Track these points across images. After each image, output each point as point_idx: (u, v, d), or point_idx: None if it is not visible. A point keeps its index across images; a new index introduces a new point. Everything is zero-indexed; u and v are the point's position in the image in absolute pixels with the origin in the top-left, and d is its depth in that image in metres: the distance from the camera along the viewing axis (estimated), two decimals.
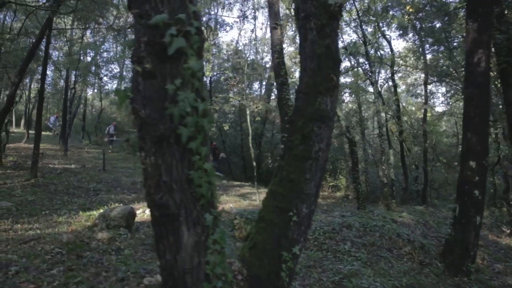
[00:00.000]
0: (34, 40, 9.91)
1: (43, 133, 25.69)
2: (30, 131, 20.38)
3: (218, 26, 15.79)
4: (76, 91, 16.39)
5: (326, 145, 2.95)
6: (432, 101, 18.63)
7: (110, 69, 19.69)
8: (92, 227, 5.52)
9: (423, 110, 14.43)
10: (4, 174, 10.16)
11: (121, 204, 7.44)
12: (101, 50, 17.37)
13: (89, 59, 17.32)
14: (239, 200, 9.52)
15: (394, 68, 13.24)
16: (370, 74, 11.18)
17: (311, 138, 2.89)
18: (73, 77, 17.08)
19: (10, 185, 8.74)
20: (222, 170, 17.44)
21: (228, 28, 15.59)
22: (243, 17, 12.90)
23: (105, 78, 21.12)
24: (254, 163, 9.41)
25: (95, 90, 28.72)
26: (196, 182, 1.56)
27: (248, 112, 9.21)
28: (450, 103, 18.75)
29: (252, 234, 3.00)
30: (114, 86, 27.50)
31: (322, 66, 2.91)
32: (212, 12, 16.70)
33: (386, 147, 11.44)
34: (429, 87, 17.46)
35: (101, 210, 6.77)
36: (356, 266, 5.26)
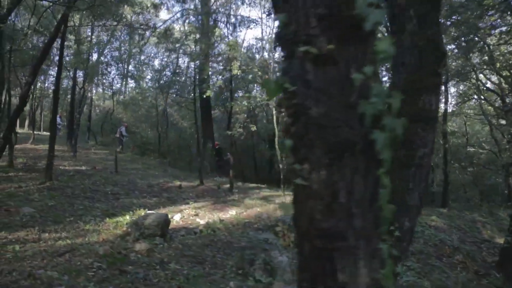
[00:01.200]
0: (48, 38, 9.49)
1: (45, 133, 25.39)
2: (36, 132, 19.97)
3: (242, 23, 15.27)
4: (85, 90, 15.95)
5: (431, 150, 2.57)
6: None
7: (118, 68, 19.24)
8: (124, 236, 5.13)
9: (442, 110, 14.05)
10: (16, 177, 9.75)
11: (146, 210, 7.06)
12: (111, 48, 16.95)
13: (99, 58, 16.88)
14: (264, 203, 9.13)
15: None
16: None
17: (414, 142, 2.51)
18: (81, 76, 16.66)
19: (25, 188, 8.34)
20: (223, 172, 16.97)
21: (252, 25, 15.12)
22: (270, 13, 12.52)
23: (113, 77, 20.66)
24: (281, 165, 9.01)
25: (100, 90, 28.28)
26: (383, 203, 1.17)
27: (274, 112, 8.81)
28: (459, 103, 18.41)
29: None
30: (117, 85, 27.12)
31: (424, 60, 2.54)
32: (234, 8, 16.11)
33: None
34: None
35: (127, 217, 6.40)
36: (410, 277, 4.88)
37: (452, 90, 18.38)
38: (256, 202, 9.20)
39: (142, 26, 12.22)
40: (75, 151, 15.41)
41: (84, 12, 10.72)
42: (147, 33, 12.45)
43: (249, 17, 17.32)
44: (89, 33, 16.98)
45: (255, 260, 3.93)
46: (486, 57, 13.27)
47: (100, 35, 18.20)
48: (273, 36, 17.26)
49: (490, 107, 16.03)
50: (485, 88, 15.43)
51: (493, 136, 15.86)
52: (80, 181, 10.11)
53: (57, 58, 17.00)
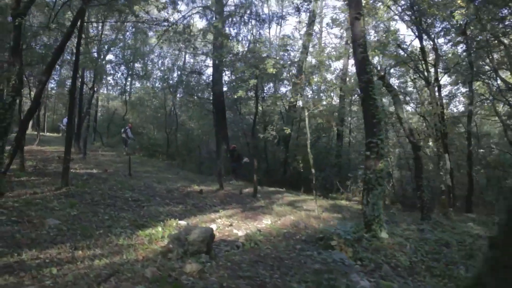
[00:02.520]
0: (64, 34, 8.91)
1: (49, 134, 24.77)
2: (41, 133, 19.39)
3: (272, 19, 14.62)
4: (95, 91, 15.35)
5: None
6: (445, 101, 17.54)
7: (129, 67, 18.59)
8: (165, 253, 4.57)
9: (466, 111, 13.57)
10: (29, 182, 9.17)
11: (177, 220, 6.52)
12: (122, 47, 16.32)
13: (110, 57, 16.29)
14: (294, 210, 8.61)
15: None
16: (425, 73, 10.29)
17: None
18: (87, 77, 16.06)
19: (41, 195, 7.77)
20: (238, 175, 16.38)
21: (282, 21, 14.51)
22: (299, 9, 11.94)
23: (125, 77, 20.01)
24: (313, 170, 8.48)
25: (105, 91, 27.67)
26: None
27: (306, 113, 8.25)
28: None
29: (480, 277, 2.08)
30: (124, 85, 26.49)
31: None
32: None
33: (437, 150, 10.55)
34: (449, 88, 16.55)
35: (159, 228, 5.87)
36: None
37: (463, 90, 17.77)
38: (285, 209, 8.67)
39: (162, 22, 11.58)
40: (85, 153, 14.84)
41: (101, 7, 10.12)
42: (166, 28, 11.79)
43: (277, 12, 16.50)
44: (94, 32, 16.39)
45: (336, 286, 3.39)
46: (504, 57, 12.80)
47: (109, 34, 17.61)
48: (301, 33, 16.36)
49: (503, 108, 15.52)
50: (499, 89, 14.90)
51: (507, 137, 15.34)
52: (96, 186, 9.55)
53: (67, 57, 16.44)
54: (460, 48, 12.66)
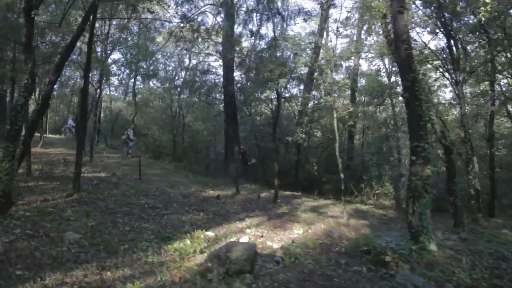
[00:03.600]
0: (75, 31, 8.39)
1: (51, 135, 24.17)
2: (44, 135, 18.81)
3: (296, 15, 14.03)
4: (101, 91, 14.80)
5: None
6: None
7: (138, 66, 17.97)
8: (204, 273, 4.06)
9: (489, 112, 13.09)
10: (38, 187, 8.64)
11: (204, 231, 5.99)
12: (128, 46, 15.75)
13: (116, 56, 15.73)
14: (321, 217, 8.09)
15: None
16: (452, 72, 9.81)
17: None
18: (97, 76, 15.52)
19: (52, 202, 7.24)
20: (248, 178, 15.88)
21: (307, 17, 13.94)
22: (327, 3, 11.40)
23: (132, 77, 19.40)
24: (342, 175, 7.96)
25: (107, 91, 27.08)
26: None
27: (335, 115, 7.74)
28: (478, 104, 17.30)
29: None
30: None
31: None
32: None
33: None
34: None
35: (187, 241, 5.36)
36: None
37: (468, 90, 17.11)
38: (311, 216, 8.15)
39: (179, 19, 11.01)
40: (92, 156, 14.30)
41: (110, 4, 9.59)
42: (180, 23, 11.23)
43: (303, 8, 15.80)
44: (97, 32, 15.78)
45: None
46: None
47: (114, 32, 17.05)
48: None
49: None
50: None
51: None
52: (108, 191, 9.04)
53: (71, 56, 15.85)
54: (481, 47, 12.15)
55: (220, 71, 19.25)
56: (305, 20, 13.80)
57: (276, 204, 9.33)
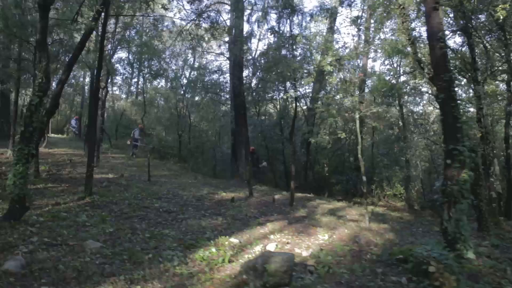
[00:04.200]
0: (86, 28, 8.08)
1: (54, 135, 23.84)
2: (47, 134, 18.49)
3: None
4: (107, 91, 14.48)
5: None
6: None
7: (145, 66, 17.68)
8: (239, 286, 3.77)
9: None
10: (47, 190, 8.38)
11: (227, 237, 5.71)
12: (137, 45, 15.44)
13: (122, 55, 15.42)
14: (341, 221, 7.80)
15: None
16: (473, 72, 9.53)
17: None
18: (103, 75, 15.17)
19: (64, 205, 6.98)
20: (259, 179, 15.57)
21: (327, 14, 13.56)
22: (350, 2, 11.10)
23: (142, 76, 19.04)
24: (364, 178, 7.66)
25: (111, 91, 26.74)
26: None
27: (357, 116, 7.44)
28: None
29: None
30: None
31: None
32: None
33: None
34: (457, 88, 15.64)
35: (213, 249, 5.08)
36: None
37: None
38: (332, 220, 7.86)
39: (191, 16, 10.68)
40: (98, 157, 13.99)
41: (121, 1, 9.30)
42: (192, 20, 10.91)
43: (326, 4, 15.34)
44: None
45: None
46: None
47: (120, 31, 16.73)
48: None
49: None
50: None
51: None
52: (119, 194, 8.79)
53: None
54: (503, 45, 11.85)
55: (228, 70, 18.95)
56: (325, 18, 13.46)
57: (292, 207, 9.05)
